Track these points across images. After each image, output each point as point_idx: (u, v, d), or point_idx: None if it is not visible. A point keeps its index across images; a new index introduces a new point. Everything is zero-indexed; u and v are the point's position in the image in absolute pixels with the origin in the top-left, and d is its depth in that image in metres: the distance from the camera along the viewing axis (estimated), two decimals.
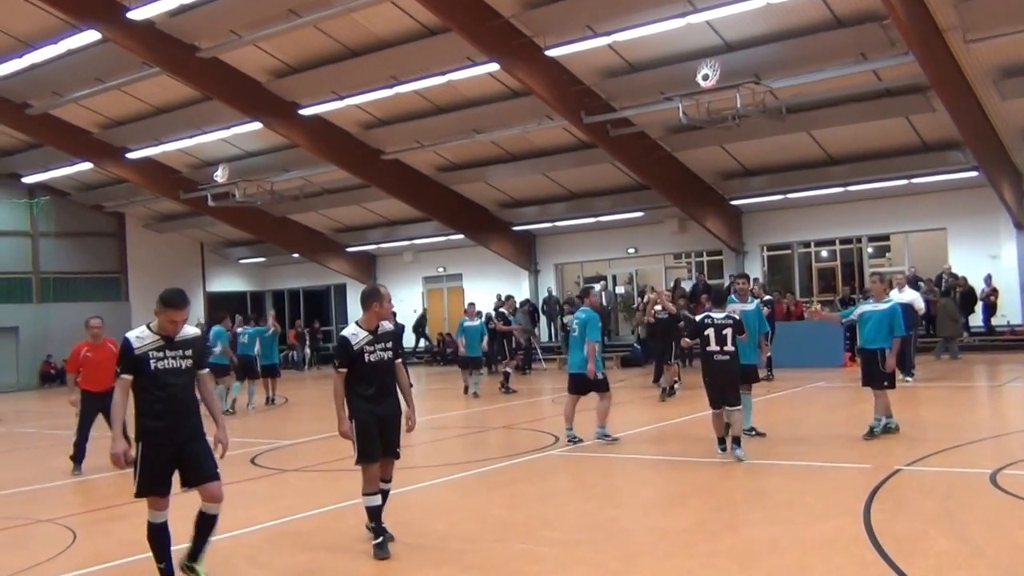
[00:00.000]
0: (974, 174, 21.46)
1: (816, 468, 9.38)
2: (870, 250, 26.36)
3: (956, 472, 8.71)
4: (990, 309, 22.25)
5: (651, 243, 28.48)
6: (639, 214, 27.10)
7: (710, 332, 9.79)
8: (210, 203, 28.54)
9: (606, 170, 25.25)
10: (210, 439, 6.04)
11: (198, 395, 6.08)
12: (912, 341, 16.94)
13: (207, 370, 6.17)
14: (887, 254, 26.85)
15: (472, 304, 20.12)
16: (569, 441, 11.36)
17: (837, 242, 26.55)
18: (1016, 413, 13.79)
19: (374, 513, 6.77)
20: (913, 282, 22.99)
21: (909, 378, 16.26)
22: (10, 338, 32.46)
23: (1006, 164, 21.58)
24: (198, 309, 37.21)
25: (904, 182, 22.65)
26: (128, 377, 5.79)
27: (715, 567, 6.10)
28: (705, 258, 28.44)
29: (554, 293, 29.36)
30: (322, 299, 38.38)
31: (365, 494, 6.79)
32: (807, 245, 26.99)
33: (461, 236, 30.15)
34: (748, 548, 6.54)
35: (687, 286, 25.56)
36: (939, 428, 11.69)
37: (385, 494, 6.94)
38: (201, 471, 5.90)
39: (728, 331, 9.76)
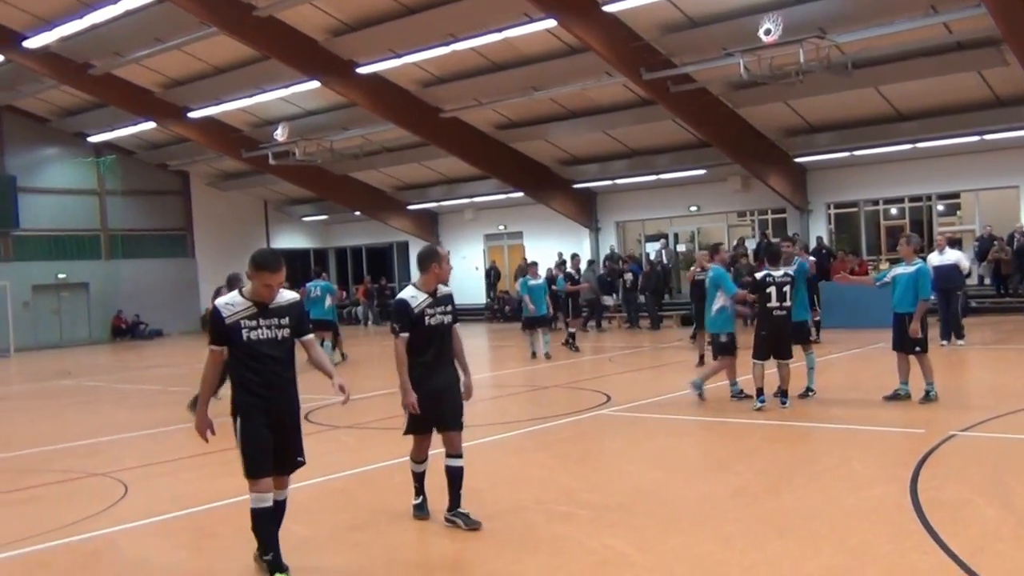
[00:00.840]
0: None
1: (867, 432, 9.16)
2: (940, 208, 25.51)
3: (1012, 439, 8.45)
4: None
5: (713, 201, 27.99)
6: (701, 172, 26.60)
7: (771, 289, 10.19)
8: (271, 162, 28.86)
9: (667, 127, 24.80)
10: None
11: (306, 362, 5.61)
12: (959, 302, 16.54)
13: (311, 335, 5.55)
14: (957, 212, 25.97)
15: (535, 263, 19.66)
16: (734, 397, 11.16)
17: (906, 200, 25.73)
18: None
19: (419, 478, 6.61)
20: (988, 240, 22.28)
21: (960, 341, 15.83)
22: (81, 294, 33.47)
23: None
24: None
25: (976, 138, 21.79)
26: (219, 349, 5.26)
27: (753, 533, 5.99)
28: (770, 216, 27.83)
29: (616, 251, 29.07)
30: (385, 257, 38.68)
31: (412, 459, 6.59)
32: (875, 203, 26.25)
33: (521, 194, 30.01)
34: (788, 514, 6.42)
35: (751, 245, 25.10)
36: (998, 393, 11.32)
37: (453, 471, 6.37)
38: (284, 458, 5.43)
39: (787, 287, 10.22)
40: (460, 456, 6.38)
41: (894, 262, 20.36)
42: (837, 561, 5.37)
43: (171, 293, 34.75)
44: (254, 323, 5.21)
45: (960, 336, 16.04)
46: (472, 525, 6.27)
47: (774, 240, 12.90)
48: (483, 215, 33.92)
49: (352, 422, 11.32)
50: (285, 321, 5.31)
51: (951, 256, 16.45)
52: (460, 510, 6.36)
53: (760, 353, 10.38)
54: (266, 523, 5.39)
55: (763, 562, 5.42)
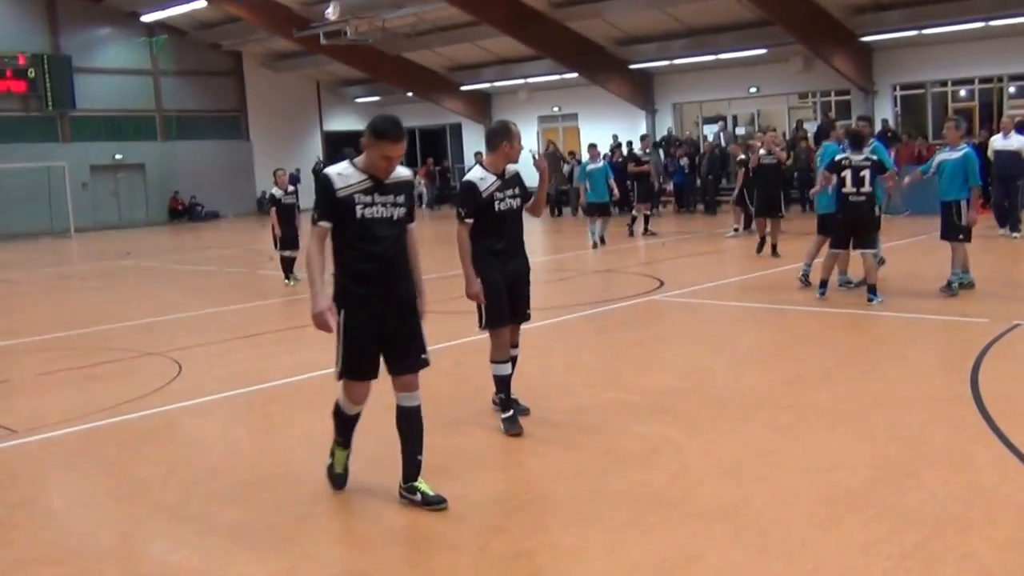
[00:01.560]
0: None
1: (928, 321, 8.90)
2: (1012, 90, 24.25)
3: None
4: None
5: (774, 82, 26.94)
6: (762, 52, 25.51)
7: (847, 173, 9.66)
8: (322, 41, 28.36)
9: (727, 4, 23.70)
10: None
11: None
12: (1017, 191, 15.53)
13: (415, 223, 4.81)
14: None
15: (594, 145, 18.73)
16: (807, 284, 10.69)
17: (976, 81, 24.50)
18: None
19: (503, 383, 5.92)
20: None
21: (1016, 233, 15.05)
22: (138, 175, 33.77)
23: None
24: (316, 148, 37.84)
25: None
26: (327, 225, 4.51)
27: (806, 421, 5.89)
28: (833, 98, 26.78)
29: (673, 133, 28.36)
30: (438, 138, 38.29)
31: (494, 361, 5.91)
32: (943, 84, 25.02)
33: (576, 75, 29.21)
34: (842, 403, 6.28)
35: (810, 128, 24.22)
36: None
37: (514, 361, 6.04)
38: (406, 358, 4.69)
39: (866, 172, 9.60)
40: (518, 346, 6.16)
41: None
42: (891, 450, 5.25)
43: (227, 175, 34.90)
44: (369, 199, 4.51)
45: (1016, 228, 15.18)
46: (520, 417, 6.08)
47: (859, 121, 12.04)
48: (537, 97, 33.20)
49: None
50: (401, 199, 4.62)
51: (1015, 142, 15.52)
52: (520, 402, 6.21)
53: (837, 242, 9.88)
54: (348, 425, 4.93)
55: (815, 449, 5.33)
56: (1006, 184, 15.40)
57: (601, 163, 17.46)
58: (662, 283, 11.79)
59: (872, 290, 9.65)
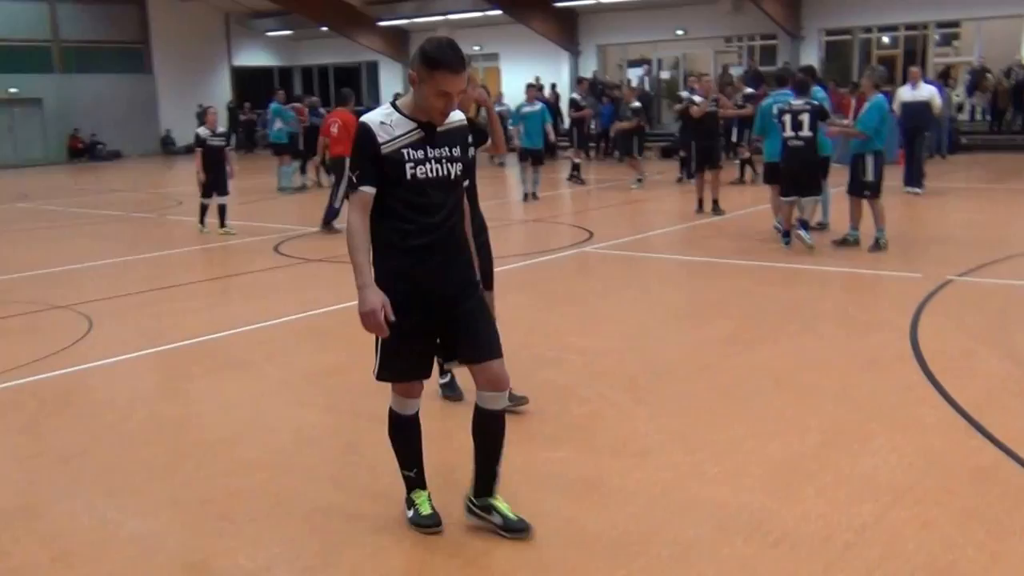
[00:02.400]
0: None
1: (862, 275, 8.90)
2: (936, 37, 24.58)
3: (1011, 284, 8.21)
4: None
5: (701, 25, 26.81)
6: None
7: (787, 117, 9.74)
8: None
9: None
10: None
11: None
12: (922, 144, 14.98)
13: (466, 181, 3.73)
14: (954, 42, 25.09)
15: (532, 84, 17.54)
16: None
17: (901, 28, 24.74)
18: None
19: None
20: (980, 73, 21.57)
21: (918, 189, 14.43)
22: (35, 110, 31.94)
23: None
24: (224, 84, 36.33)
25: None
26: (370, 191, 3.48)
27: (751, 383, 5.75)
28: (758, 42, 26.77)
29: (599, 76, 28.02)
30: (353, 77, 37.20)
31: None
32: (868, 31, 25.21)
33: (499, 12, 28.54)
34: (786, 363, 6.17)
35: (736, 72, 24.18)
36: (993, 236, 11.05)
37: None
38: (478, 341, 3.67)
39: (804, 116, 9.65)
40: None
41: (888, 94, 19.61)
42: (841, 414, 5.14)
43: (129, 112, 33.30)
44: (420, 153, 3.49)
45: (919, 184, 14.52)
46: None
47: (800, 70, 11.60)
48: (458, 34, 32.27)
49: (325, 255, 10.87)
50: (457, 151, 3.59)
51: (924, 92, 14.67)
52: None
53: (786, 190, 9.95)
54: (406, 433, 3.90)
55: (762, 412, 5.18)
56: (912, 136, 14.67)
57: (538, 106, 16.28)
58: (592, 234, 11.57)
59: (804, 225, 9.83)
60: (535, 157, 15.76)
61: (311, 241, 12.08)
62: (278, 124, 18.37)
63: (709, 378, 5.85)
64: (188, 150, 33.40)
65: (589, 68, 28.98)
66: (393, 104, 3.59)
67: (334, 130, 12.84)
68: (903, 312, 7.19)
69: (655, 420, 5.13)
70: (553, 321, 7.52)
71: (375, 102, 34.11)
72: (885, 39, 25.60)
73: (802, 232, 9.80)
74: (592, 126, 22.53)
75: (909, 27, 24.64)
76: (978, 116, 22.55)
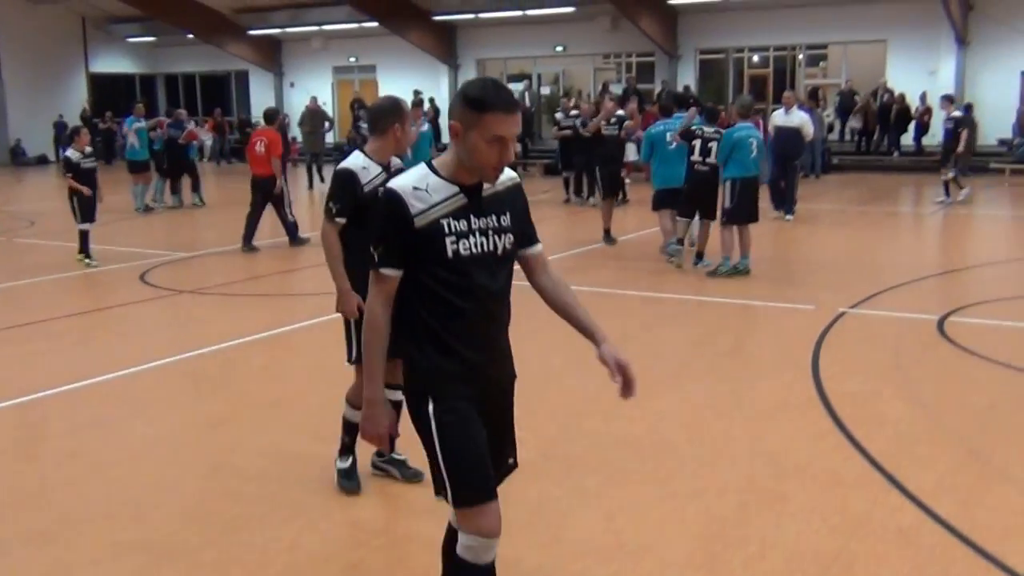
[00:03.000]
0: None
1: (757, 308, 8.84)
2: (801, 58, 25.42)
3: (902, 318, 8.26)
4: (922, 128, 21.79)
5: (580, 42, 26.94)
6: (570, 9, 25.40)
7: (697, 143, 10.15)
8: None
9: None
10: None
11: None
12: (795, 171, 15.03)
13: (539, 244, 3.17)
14: (821, 63, 25.99)
15: (420, 102, 16.78)
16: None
17: (771, 49, 25.48)
18: (954, 247, 13.34)
19: (349, 428, 4.61)
20: (849, 95, 22.31)
21: (790, 216, 14.36)
22: None
23: None
24: (80, 91, 34.30)
25: None
26: (394, 274, 2.84)
27: (660, 434, 5.53)
28: (635, 59, 27.08)
29: None
30: (222, 86, 35.83)
31: (352, 405, 4.58)
32: (740, 51, 25.87)
33: (376, 24, 27.95)
34: (694, 410, 5.96)
35: (616, 89, 24.33)
36: (874, 262, 11.26)
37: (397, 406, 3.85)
38: (503, 456, 3.12)
39: (713, 144, 10.03)
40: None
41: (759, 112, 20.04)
42: (757, 469, 4.94)
43: None
44: (464, 224, 2.82)
45: (791, 211, 14.45)
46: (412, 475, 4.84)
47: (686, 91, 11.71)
48: (333, 45, 31.64)
49: (197, 285, 10.14)
50: (507, 220, 2.92)
51: (796, 118, 14.42)
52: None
53: (685, 211, 10.49)
54: None
55: (679, 474, 4.91)
56: (784, 163, 14.52)
57: (426, 126, 14.85)
58: None
59: (699, 256, 10.40)
60: None
61: (180, 269, 11.31)
62: (132, 139, 17.22)
63: (618, 429, 5.56)
64: (40, 161, 31.59)
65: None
66: (429, 165, 2.88)
67: (259, 149, 12.40)
68: (803, 348, 7.12)
69: (567, 481, 4.79)
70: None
71: (246, 112, 32.90)
72: (756, 59, 26.31)
73: (678, 248, 10.48)
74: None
75: (779, 48, 25.40)
76: (847, 137, 23.39)
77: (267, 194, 12.41)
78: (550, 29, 26.94)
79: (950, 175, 15.93)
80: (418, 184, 2.82)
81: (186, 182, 17.69)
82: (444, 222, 2.80)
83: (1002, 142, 21.15)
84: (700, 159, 10.11)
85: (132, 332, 8.43)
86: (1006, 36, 21.16)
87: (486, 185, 2.88)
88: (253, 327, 8.04)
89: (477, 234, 2.85)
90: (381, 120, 4.54)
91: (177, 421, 5.89)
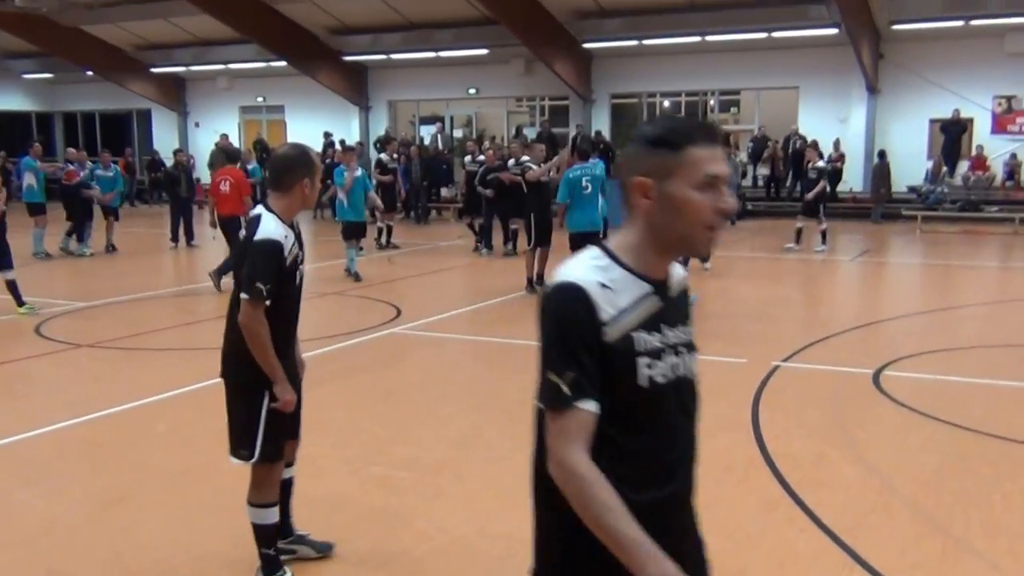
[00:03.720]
0: (834, 31, 20.86)
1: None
2: (713, 103, 25.84)
3: (836, 372, 8.12)
4: (836, 175, 22.21)
5: (494, 85, 26.81)
6: (483, 52, 25.24)
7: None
8: None
9: (451, 0, 23.11)
10: None
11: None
12: None
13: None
14: (732, 109, 26.42)
15: (353, 147, 15.52)
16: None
17: (683, 95, 25.85)
18: (874, 296, 13.42)
19: (267, 536, 4.09)
20: (762, 141, 22.64)
21: (707, 264, 13.65)
22: None
23: (867, 23, 21.06)
24: None
25: (763, 35, 21.83)
26: (592, 410, 1.95)
27: None
28: (548, 103, 27.13)
29: (390, 133, 27.33)
30: (123, 125, 34.57)
31: (255, 504, 4.07)
32: (652, 95, 26.15)
33: (284, 64, 27.35)
34: None
35: (530, 133, 24.28)
36: (798, 312, 11.23)
37: (287, 485, 4.34)
38: None
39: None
40: (292, 464, 4.41)
41: None
42: (712, 543, 4.51)
43: None
44: (656, 339, 2.02)
45: (706, 260, 13.74)
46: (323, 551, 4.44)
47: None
48: (239, 84, 30.86)
49: (98, 338, 9.41)
50: (692, 332, 2.17)
51: None
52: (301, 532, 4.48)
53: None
54: None
55: None
56: None
57: (360, 171, 13.81)
58: (399, 311, 10.74)
59: None
60: (360, 232, 13.81)
61: (80, 320, 10.53)
62: (29, 181, 16.24)
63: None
64: None
65: (380, 124, 28.30)
66: (606, 250, 2.03)
67: (224, 188, 12.20)
68: (740, 405, 6.90)
69: (510, 559, 4.37)
70: (370, 424, 6.64)
71: (147, 153, 31.61)
72: (667, 103, 26.62)
73: None
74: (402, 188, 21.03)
75: (691, 93, 25.78)
76: (759, 183, 23.72)
77: (235, 235, 11.77)
78: (463, 71, 26.76)
79: (822, 225, 15.83)
80: (603, 279, 1.96)
81: (103, 225, 16.67)
82: (637, 336, 1.98)
83: (912, 189, 21.68)
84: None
85: (24, 392, 7.72)
86: (915, 85, 21.77)
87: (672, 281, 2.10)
88: (157, 385, 7.42)
89: (670, 352, 2.05)
90: (288, 174, 3.94)
91: (75, 496, 5.30)
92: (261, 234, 3.83)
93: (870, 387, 7.51)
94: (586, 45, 24.44)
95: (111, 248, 16.61)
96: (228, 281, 4.43)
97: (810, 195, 15.62)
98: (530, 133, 24.31)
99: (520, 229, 14.24)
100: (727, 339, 9.43)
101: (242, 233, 4.18)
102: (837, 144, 22.23)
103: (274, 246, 3.83)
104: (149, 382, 7.59)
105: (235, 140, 30.30)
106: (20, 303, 10.61)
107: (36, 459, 5.97)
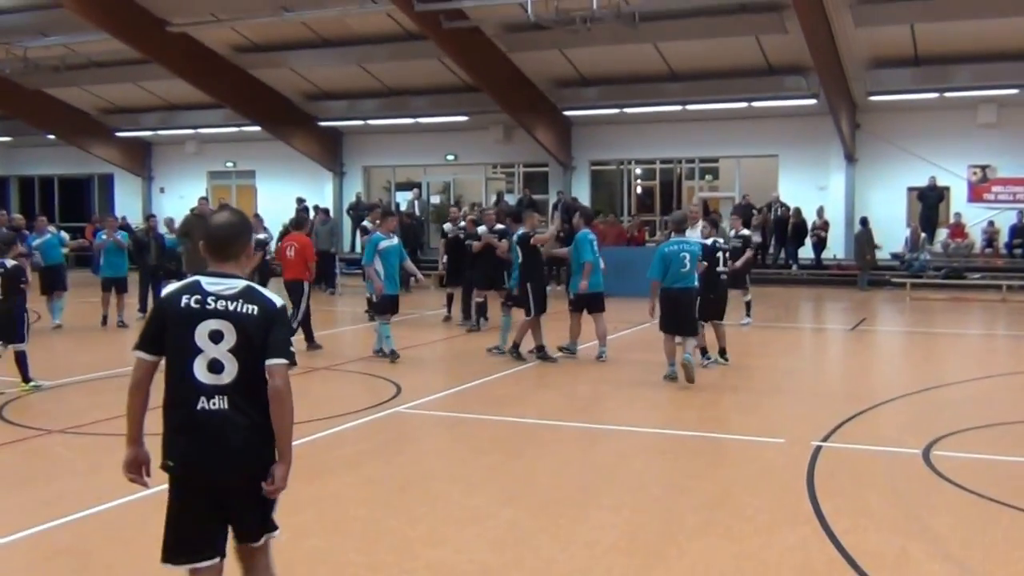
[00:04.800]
0: (812, 102, 21.03)
1: (720, 442, 7.94)
2: (683, 170, 25.74)
3: (882, 452, 7.56)
4: (820, 243, 22.07)
5: (472, 151, 26.53)
6: (462, 118, 24.99)
7: (720, 255, 11.32)
8: None
9: (430, 66, 22.90)
10: None
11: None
12: None
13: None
14: (707, 176, 26.30)
15: (389, 211, 13.62)
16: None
17: (657, 162, 25.77)
18: (896, 367, 12.95)
19: None
20: (747, 208, 22.41)
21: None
22: None
23: (844, 94, 21.19)
24: None
25: (743, 104, 21.86)
26: None
27: None
28: (523, 170, 26.93)
29: (363, 199, 26.80)
30: (83, 190, 33.64)
31: None
32: (628, 163, 26.04)
33: (256, 128, 26.84)
34: None
35: (510, 200, 23.90)
36: (824, 387, 10.74)
37: None
38: None
39: (720, 255, 11.35)
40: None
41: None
42: None
43: None
44: None
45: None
46: None
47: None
48: (208, 149, 30.25)
49: (70, 423, 8.52)
50: None
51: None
52: None
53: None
54: None
55: None
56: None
57: (396, 240, 12.30)
58: (399, 387, 10.03)
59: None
60: (394, 307, 12.33)
61: (51, 401, 9.65)
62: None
63: None
64: None
65: (353, 189, 27.79)
66: None
67: (290, 254, 12.46)
68: (796, 494, 6.31)
69: None
70: (395, 522, 5.88)
71: (108, 216, 30.55)
72: (638, 171, 26.49)
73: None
74: None
75: (664, 160, 25.73)
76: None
77: (299, 299, 12.36)
78: (441, 137, 26.45)
79: (747, 296, 14.87)
80: None
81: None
82: None
83: (895, 256, 21.58)
84: (725, 269, 11.44)
85: None
86: (892, 154, 21.88)
87: None
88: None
89: None
90: (235, 241, 3.66)
91: None
92: (280, 300, 3.64)
93: (923, 469, 6.97)
94: (567, 113, 24.28)
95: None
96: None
97: (738, 263, 13.93)
98: (510, 199, 23.93)
99: (489, 299, 14.40)
100: (756, 415, 8.92)
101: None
102: (821, 212, 22.14)
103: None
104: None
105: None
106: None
107: (11, 573, 5.15)
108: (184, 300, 3.50)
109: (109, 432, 8.28)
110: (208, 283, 3.54)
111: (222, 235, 3.65)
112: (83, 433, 8.18)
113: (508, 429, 8.47)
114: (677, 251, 10.05)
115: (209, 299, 3.49)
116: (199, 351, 3.46)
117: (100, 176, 32.91)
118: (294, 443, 3.63)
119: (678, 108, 22.67)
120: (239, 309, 3.51)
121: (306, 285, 12.48)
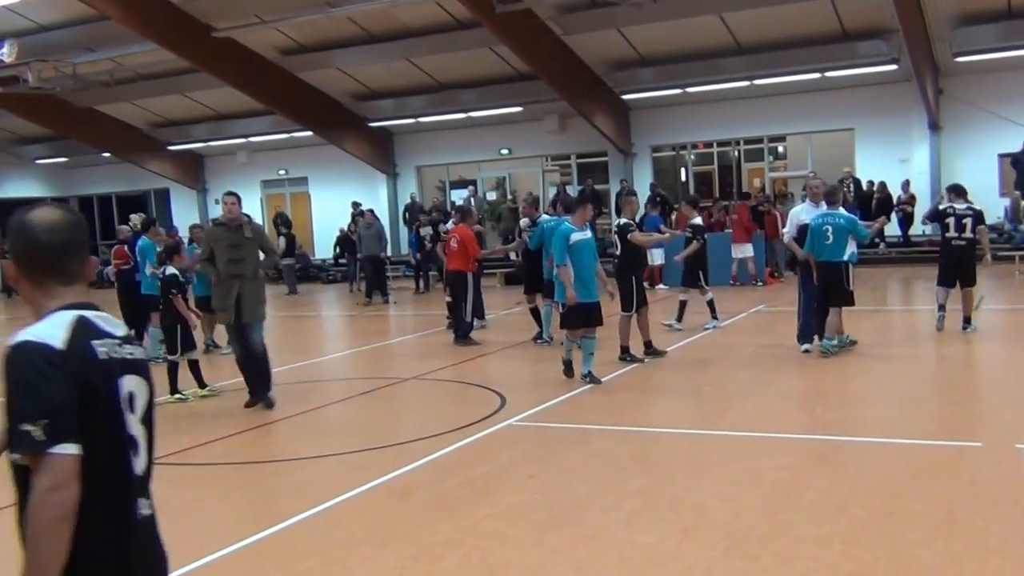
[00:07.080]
0: (892, 67, 19.74)
1: (911, 448, 6.94)
2: (742, 152, 24.60)
3: None
4: (907, 219, 20.87)
5: (527, 144, 25.60)
6: (516, 110, 24.08)
7: (950, 220, 11.42)
8: None
9: (480, 57, 22.05)
10: None
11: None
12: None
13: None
14: (769, 157, 25.05)
15: (588, 197, 13.54)
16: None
17: (715, 144, 24.75)
18: None
19: None
20: (834, 190, 21.27)
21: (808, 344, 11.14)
22: None
23: (928, 58, 19.92)
24: None
25: (816, 76, 20.66)
26: None
27: None
28: (578, 161, 25.90)
29: (417, 200, 26.09)
30: (141, 206, 33.43)
31: None
32: (683, 148, 24.99)
33: (307, 133, 26.26)
34: None
35: (572, 191, 22.98)
36: (985, 377, 9.85)
37: None
38: None
39: (968, 220, 11.39)
40: None
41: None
42: None
43: None
44: None
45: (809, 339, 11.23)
46: None
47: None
48: (260, 158, 29.76)
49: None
50: None
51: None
52: None
53: (947, 281, 11.50)
54: None
55: None
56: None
57: (589, 234, 9.97)
58: (503, 398, 9.22)
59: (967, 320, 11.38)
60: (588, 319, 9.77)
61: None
62: (148, 269, 12.59)
63: None
64: None
65: (407, 190, 27.10)
66: None
67: (453, 245, 12.93)
68: (1018, 505, 5.41)
69: None
70: (561, 569, 5.01)
71: (169, 230, 30.39)
72: (692, 156, 25.44)
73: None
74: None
75: (721, 143, 24.68)
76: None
77: (456, 288, 12.88)
78: (493, 131, 25.59)
79: (708, 294, 12.80)
80: None
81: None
82: None
83: (991, 228, 20.26)
84: (956, 235, 11.34)
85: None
86: (979, 119, 20.51)
87: None
88: (227, 526, 5.89)
89: None
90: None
91: None
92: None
93: None
94: (624, 96, 23.30)
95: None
96: None
97: (679, 257, 12.82)
98: (572, 191, 23.01)
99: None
100: (923, 414, 8.00)
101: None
102: (906, 185, 20.93)
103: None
104: (214, 521, 6.06)
105: (256, 216, 29.12)
106: (202, 384, 10.29)
107: None
108: (99, 349, 2.30)
109: (180, 463, 7.64)
110: (97, 318, 2.37)
111: (63, 242, 2.41)
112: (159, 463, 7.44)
113: (643, 442, 7.60)
114: (820, 224, 10.11)
115: (115, 344, 2.35)
116: (126, 425, 2.33)
117: (156, 191, 32.69)
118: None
119: (744, 84, 21.53)
120: (141, 357, 2.43)
121: (470, 276, 12.87)
